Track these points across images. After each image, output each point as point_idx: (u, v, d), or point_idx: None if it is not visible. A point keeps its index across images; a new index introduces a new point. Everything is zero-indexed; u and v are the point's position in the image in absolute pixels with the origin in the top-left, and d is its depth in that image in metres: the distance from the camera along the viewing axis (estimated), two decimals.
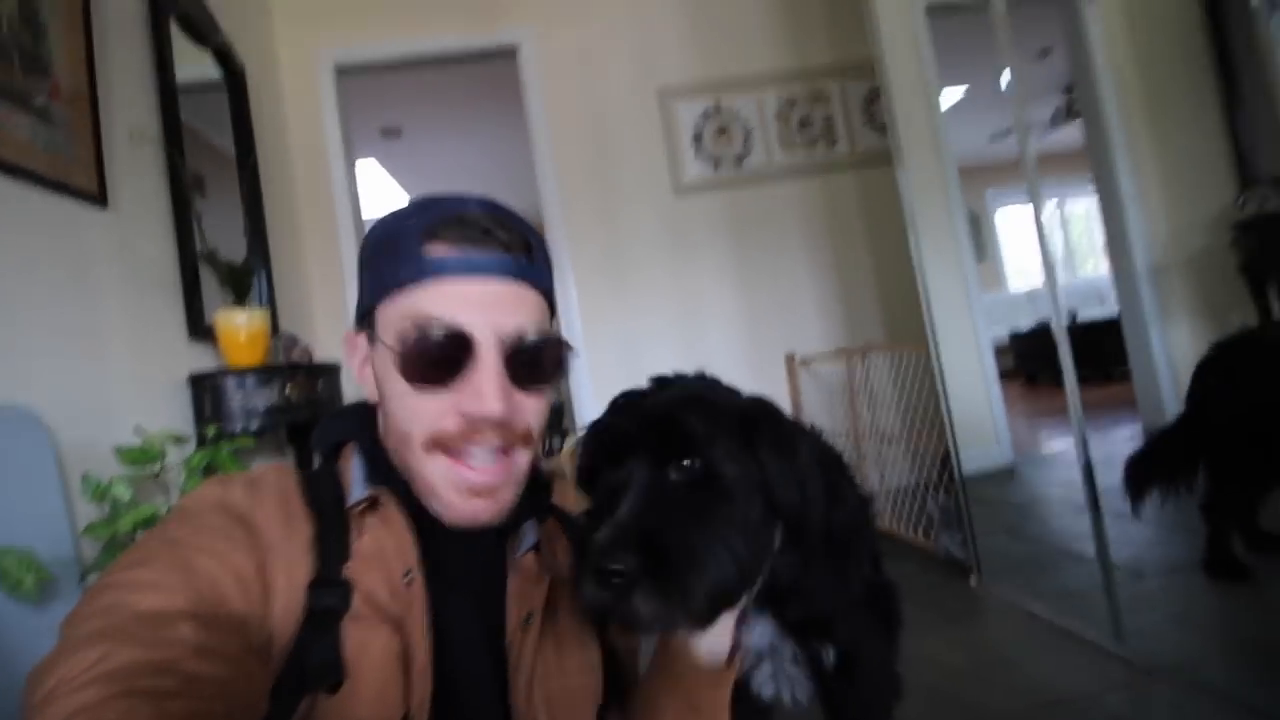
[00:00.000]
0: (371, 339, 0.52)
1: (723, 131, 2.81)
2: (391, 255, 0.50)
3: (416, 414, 0.49)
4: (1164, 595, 1.37)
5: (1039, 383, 4.93)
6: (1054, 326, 1.50)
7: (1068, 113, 5.50)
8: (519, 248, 0.51)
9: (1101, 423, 3.48)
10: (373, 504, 0.50)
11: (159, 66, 1.67)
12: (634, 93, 2.77)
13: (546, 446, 5.79)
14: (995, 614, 1.52)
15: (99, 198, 1.39)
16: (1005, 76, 1.71)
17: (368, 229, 0.54)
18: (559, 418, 6.21)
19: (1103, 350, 4.81)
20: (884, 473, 2.30)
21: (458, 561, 0.52)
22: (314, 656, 0.43)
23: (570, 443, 4.19)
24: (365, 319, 0.52)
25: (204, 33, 1.89)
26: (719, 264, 2.74)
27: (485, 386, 0.48)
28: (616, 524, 0.49)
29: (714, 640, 0.54)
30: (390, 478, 0.52)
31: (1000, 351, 5.47)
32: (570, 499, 0.63)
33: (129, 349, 1.41)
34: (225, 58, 2.00)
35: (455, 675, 0.48)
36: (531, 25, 2.73)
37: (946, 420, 1.82)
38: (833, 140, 2.89)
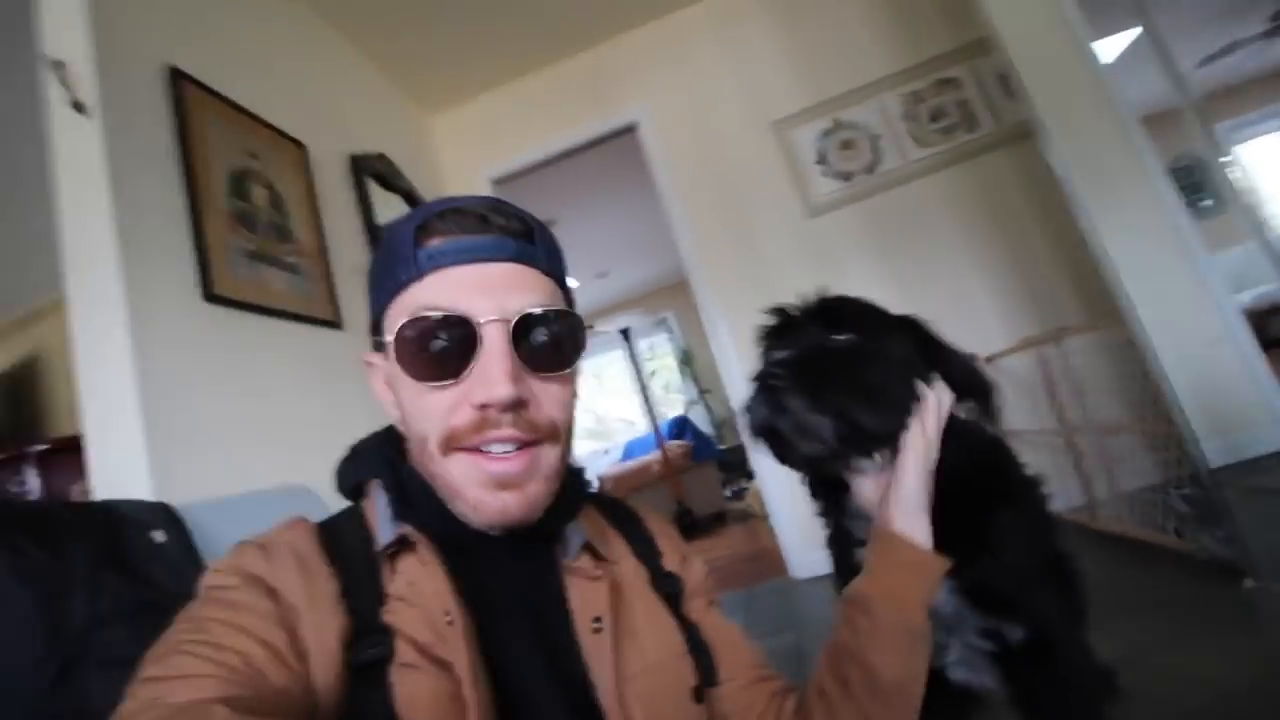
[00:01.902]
0: (383, 348, 0.50)
1: (847, 145, 2.76)
2: (390, 258, 0.49)
3: (428, 413, 0.47)
4: None
5: None
6: None
7: None
8: (519, 232, 0.50)
9: None
10: (404, 544, 0.47)
11: (363, 214, 2.12)
12: (750, 134, 2.85)
13: (734, 488, 5.79)
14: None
15: (336, 323, 1.79)
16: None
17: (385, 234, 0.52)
18: (742, 458, 6.21)
19: None
20: (1111, 469, 1.97)
21: (505, 585, 0.50)
22: (368, 714, 0.41)
23: (757, 481, 4.18)
24: (376, 333, 0.51)
25: (391, 182, 2.36)
26: (866, 274, 2.64)
27: (492, 368, 0.45)
28: (778, 358, 0.62)
29: (908, 499, 0.57)
30: (422, 510, 0.49)
31: (1270, 312, 4.40)
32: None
33: (369, 432, 1.76)
34: (409, 196, 2.47)
35: (521, 707, 0.46)
36: (645, 101, 2.97)
37: (1172, 398, 1.55)
38: (973, 123, 2.68)
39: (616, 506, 0.66)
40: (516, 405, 0.46)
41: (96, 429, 1.21)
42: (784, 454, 0.62)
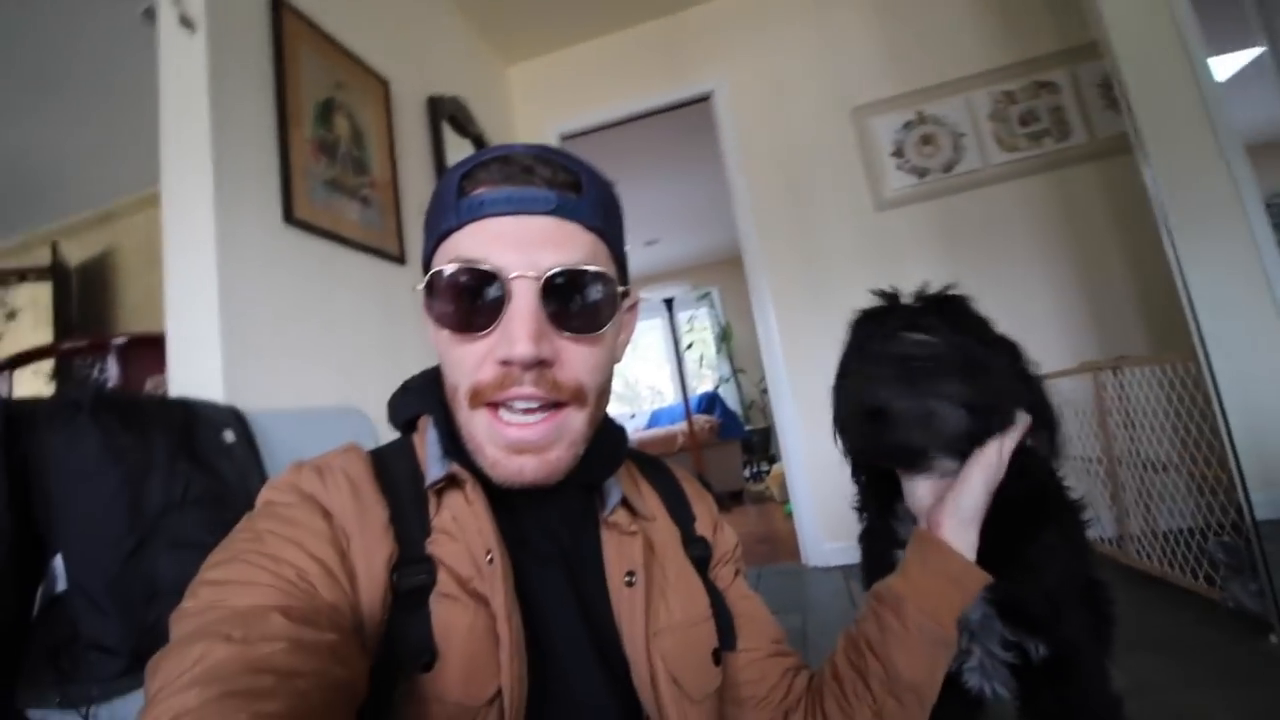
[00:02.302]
0: None
1: (927, 140, 2.67)
2: (436, 204, 0.49)
3: (458, 365, 0.47)
4: None
5: None
6: None
7: None
8: (564, 184, 0.48)
9: None
10: (451, 481, 0.49)
11: (435, 155, 2.16)
12: (827, 117, 2.77)
13: (754, 469, 5.81)
14: None
15: (400, 258, 1.84)
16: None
17: None
18: (766, 442, 6.22)
19: None
20: (1149, 505, 1.93)
21: (543, 533, 0.51)
22: (408, 637, 0.43)
23: (779, 466, 4.20)
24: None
25: (465, 126, 2.39)
26: (928, 275, 2.51)
27: (515, 326, 0.44)
28: (918, 340, 0.58)
29: (966, 511, 0.57)
30: (468, 452, 0.49)
31: None
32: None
33: (419, 367, 1.82)
34: (479, 142, 2.50)
35: (550, 649, 0.47)
36: (723, 72, 2.91)
37: (1228, 444, 1.50)
38: (1065, 132, 2.56)
39: (656, 466, 0.66)
40: (539, 364, 0.45)
41: (178, 330, 1.29)
42: (879, 439, 0.59)
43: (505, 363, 0.45)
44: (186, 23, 1.38)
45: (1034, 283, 2.51)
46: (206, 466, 1.00)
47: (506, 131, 2.97)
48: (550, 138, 3.07)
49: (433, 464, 0.50)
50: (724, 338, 6.96)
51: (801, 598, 2.22)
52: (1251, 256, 2.11)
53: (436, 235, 0.49)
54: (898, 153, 2.69)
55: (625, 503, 0.55)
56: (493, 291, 0.45)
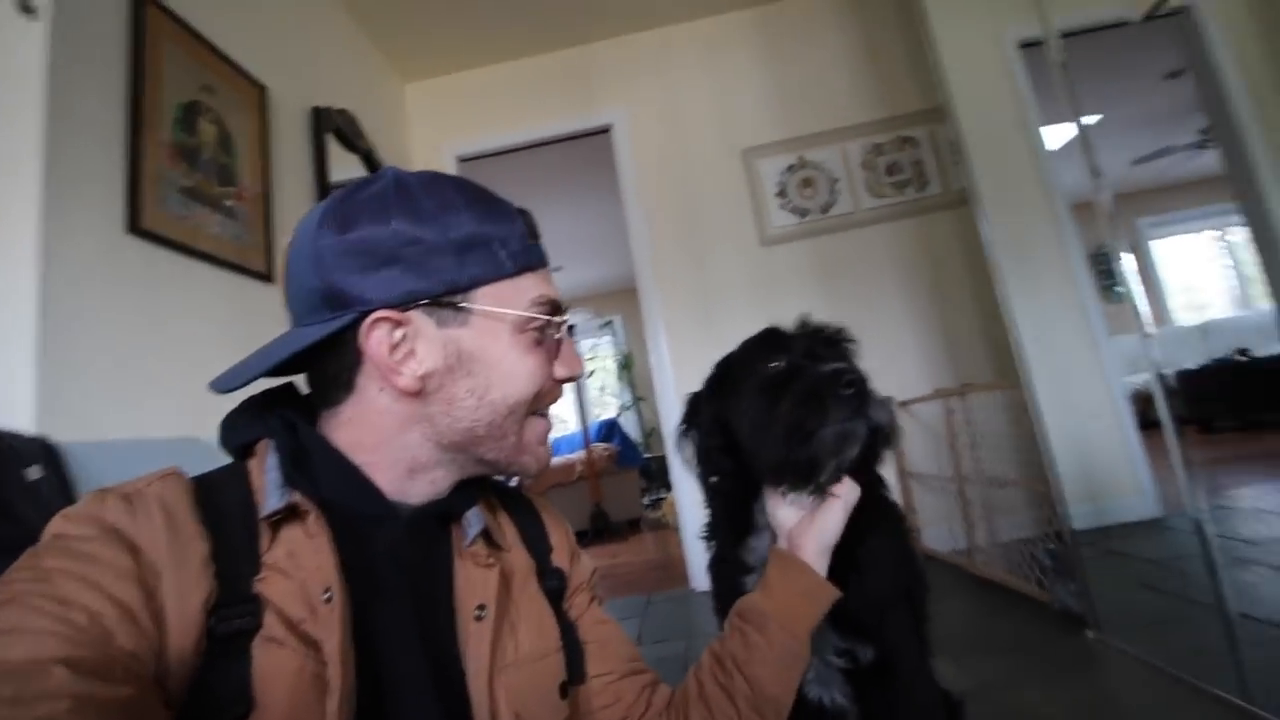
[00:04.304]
0: (453, 317, 0.50)
1: (807, 183, 2.89)
2: (504, 241, 0.52)
3: (532, 380, 0.53)
4: None
5: (1215, 429, 4.15)
6: (1152, 380, 1.44)
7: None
8: None
9: None
10: (291, 512, 0.46)
11: (317, 170, 2.06)
12: (718, 156, 2.93)
13: (653, 497, 5.87)
14: (1111, 667, 1.37)
15: (266, 275, 1.73)
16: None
17: (428, 205, 0.50)
18: (664, 469, 6.30)
19: None
20: (992, 519, 2.14)
21: (394, 565, 0.49)
22: (222, 686, 0.39)
23: (673, 494, 4.26)
24: (439, 298, 0.49)
25: (353, 141, 2.30)
26: (806, 307, 2.67)
27: (576, 354, 0.58)
28: (843, 367, 0.63)
29: (825, 537, 0.63)
30: (322, 480, 0.48)
31: (1169, 394, 4.82)
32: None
33: None
34: (369, 159, 2.41)
35: (389, 691, 0.45)
36: (623, 106, 3.01)
37: (1048, 463, 1.70)
38: (924, 182, 2.86)
39: (514, 494, 0.66)
40: None
41: None
42: (812, 453, 0.63)
43: (565, 380, 0.56)
44: (27, 9, 1.24)
45: (898, 316, 2.75)
46: (3, 509, 0.87)
47: (400, 149, 2.89)
48: (447, 159, 3.02)
49: (270, 493, 0.46)
50: (625, 365, 7.04)
51: (687, 623, 2.25)
52: (1072, 298, 2.45)
53: (509, 268, 0.52)
54: (781, 193, 2.88)
55: (485, 534, 0.55)
56: (561, 328, 0.55)
